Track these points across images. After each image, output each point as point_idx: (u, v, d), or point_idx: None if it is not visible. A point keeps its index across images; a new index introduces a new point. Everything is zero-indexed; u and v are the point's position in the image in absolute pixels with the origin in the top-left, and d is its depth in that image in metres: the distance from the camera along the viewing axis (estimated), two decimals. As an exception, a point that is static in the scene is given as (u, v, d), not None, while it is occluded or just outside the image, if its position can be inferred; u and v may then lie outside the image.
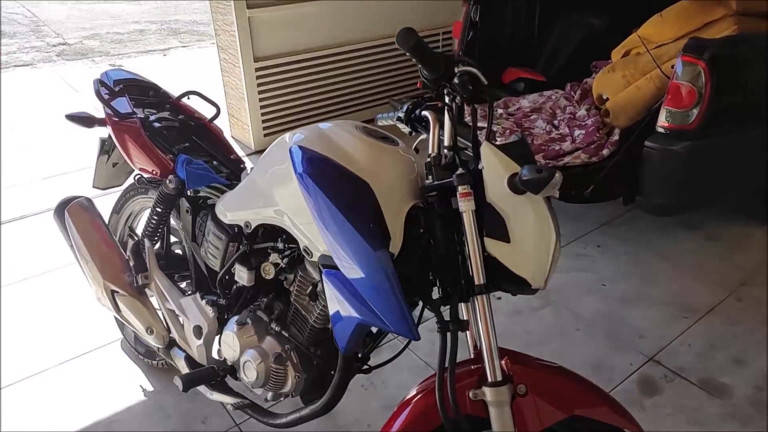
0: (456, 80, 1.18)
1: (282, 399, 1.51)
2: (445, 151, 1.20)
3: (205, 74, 5.69)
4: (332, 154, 1.25)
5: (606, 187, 2.47)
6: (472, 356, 1.19)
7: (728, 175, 2.51)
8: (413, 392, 1.21)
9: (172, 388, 1.97)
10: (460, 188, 1.11)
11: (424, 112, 1.31)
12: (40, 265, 2.68)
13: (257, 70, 3.59)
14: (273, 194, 1.35)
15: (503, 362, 1.12)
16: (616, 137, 2.61)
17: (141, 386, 2.00)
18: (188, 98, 2.03)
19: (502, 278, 1.12)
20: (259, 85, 3.64)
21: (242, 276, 1.51)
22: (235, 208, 1.50)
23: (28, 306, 2.41)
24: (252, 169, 1.50)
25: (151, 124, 1.84)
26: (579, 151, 2.57)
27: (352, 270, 1.16)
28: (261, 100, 3.69)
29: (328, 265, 1.23)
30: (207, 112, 1.96)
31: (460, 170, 1.12)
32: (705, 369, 2.01)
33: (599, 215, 2.99)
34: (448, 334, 1.14)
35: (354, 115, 4.13)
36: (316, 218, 1.21)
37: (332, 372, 1.43)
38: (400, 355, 1.49)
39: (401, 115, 1.38)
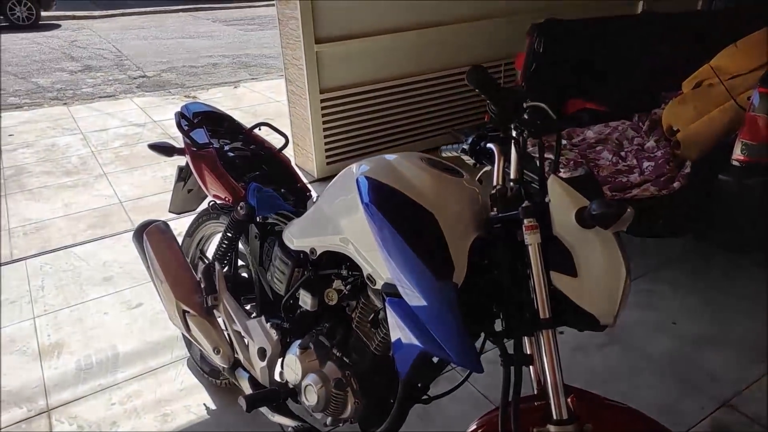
0: (524, 115, 1.19)
1: (341, 425, 1.53)
2: (511, 183, 1.21)
3: (272, 103, 5.95)
4: (398, 185, 1.28)
5: (677, 221, 2.38)
6: (536, 392, 1.17)
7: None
8: (473, 426, 1.21)
9: (234, 408, 2.03)
10: (525, 221, 1.12)
11: (489, 144, 1.32)
12: (118, 282, 2.84)
13: (322, 101, 3.72)
14: (339, 222, 1.40)
15: (569, 400, 1.10)
16: (687, 170, 2.52)
17: (204, 404, 2.07)
18: (259, 129, 2.14)
19: (568, 313, 1.11)
20: (323, 115, 3.77)
21: (306, 301, 1.55)
22: (301, 235, 1.56)
23: (107, 321, 2.56)
24: (318, 197, 1.56)
25: (225, 153, 1.94)
26: (648, 183, 2.50)
27: (415, 298, 1.18)
28: (325, 129, 3.82)
29: (391, 293, 1.26)
30: (276, 142, 2.05)
31: (526, 203, 1.13)
32: (785, 418, 1.88)
33: (670, 251, 2.87)
34: (512, 368, 1.13)
35: (415, 145, 4.19)
36: (380, 247, 1.24)
37: (392, 400, 1.44)
38: (459, 386, 1.48)
39: (466, 147, 1.41)
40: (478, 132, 1.40)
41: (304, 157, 4.04)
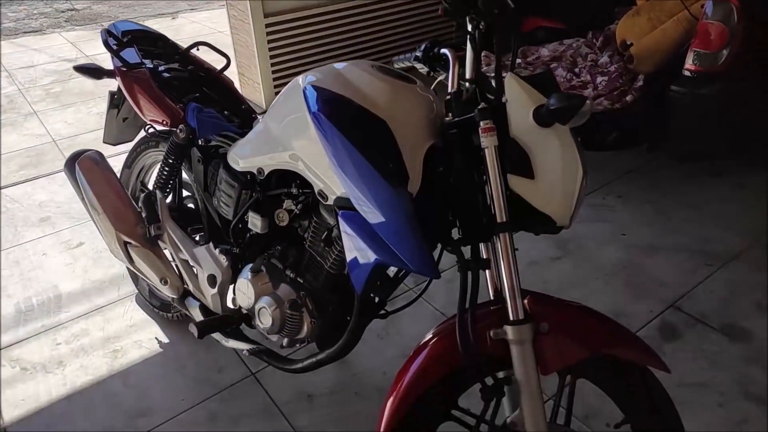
0: (480, 4, 1.11)
1: (298, 346, 1.50)
2: (467, 85, 1.14)
3: (214, 34, 5.61)
4: (347, 93, 1.21)
5: (630, 134, 2.38)
6: (492, 298, 1.16)
7: (757, 121, 2.41)
8: (429, 335, 1.19)
9: (188, 340, 1.98)
10: (482, 123, 1.06)
11: (443, 50, 1.26)
12: (56, 222, 2.68)
13: (267, 26, 3.51)
14: (287, 138, 1.32)
15: (525, 301, 1.09)
16: (640, 83, 2.51)
17: (156, 338, 2.01)
18: (197, 49, 1.98)
19: (525, 217, 1.07)
20: (269, 41, 3.56)
21: (256, 223, 1.48)
22: (247, 155, 1.47)
23: (46, 262, 2.42)
24: (264, 114, 1.45)
25: (160, 74, 1.79)
26: (602, 98, 2.48)
27: (369, 210, 1.12)
28: (272, 57, 3.62)
29: (344, 206, 1.20)
30: (216, 64, 1.91)
31: (482, 104, 1.07)
32: (727, 315, 1.96)
33: (623, 165, 2.90)
34: (469, 273, 1.11)
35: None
36: (332, 159, 1.17)
37: (348, 318, 1.42)
38: (416, 301, 1.46)
39: (419, 54, 1.34)
40: (432, 40, 1.34)
41: (250, 87, 3.85)
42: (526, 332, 1.07)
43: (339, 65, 1.31)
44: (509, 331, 1.07)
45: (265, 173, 1.42)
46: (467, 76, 1.15)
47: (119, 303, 2.19)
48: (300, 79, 1.31)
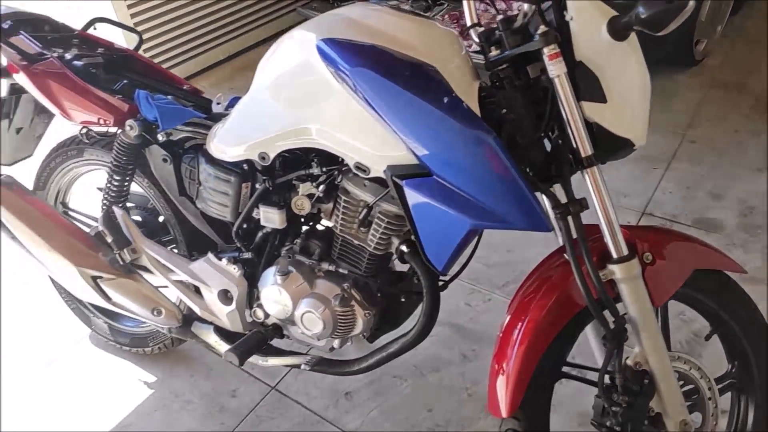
0: None
1: (350, 343, 1.34)
2: (525, 6, 1.02)
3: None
4: (381, 42, 1.04)
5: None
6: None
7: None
8: (527, 289, 1.11)
9: (178, 372, 1.70)
10: (546, 50, 0.95)
11: None
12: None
13: (128, -4, 3.00)
14: (297, 109, 1.11)
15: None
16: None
17: (140, 380, 1.69)
18: (94, 28, 1.61)
19: (602, 144, 1.01)
20: (133, 16, 3.06)
21: (272, 218, 1.26)
22: (239, 142, 1.22)
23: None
24: (252, 88, 1.20)
25: (70, 63, 1.42)
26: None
27: (455, 167, 0.98)
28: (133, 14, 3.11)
29: (405, 174, 1.04)
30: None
31: (542, 28, 0.96)
32: (692, 210, 2.12)
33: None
34: (569, 218, 1.02)
35: (257, 33, 3.66)
36: (385, 119, 1.01)
37: (402, 298, 1.29)
38: (469, 263, 1.35)
39: None
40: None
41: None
42: (635, 267, 1.03)
43: (342, 11, 1.13)
44: (617, 270, 1.02)
45: (271, 158, 1.19)
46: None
47: (72, 351, 1.80)
48: (296, 37, 1.10)
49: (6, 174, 1.46)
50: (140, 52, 1.60)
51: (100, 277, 1.37)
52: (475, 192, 0.98)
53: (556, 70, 0.95)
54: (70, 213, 1.72)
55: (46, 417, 1.61)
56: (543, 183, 1.03)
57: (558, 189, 1.04)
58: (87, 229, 1.57)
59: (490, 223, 0.99)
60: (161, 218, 1.59)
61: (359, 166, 1.08)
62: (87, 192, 1.73)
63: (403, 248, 1.17)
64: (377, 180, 1.10)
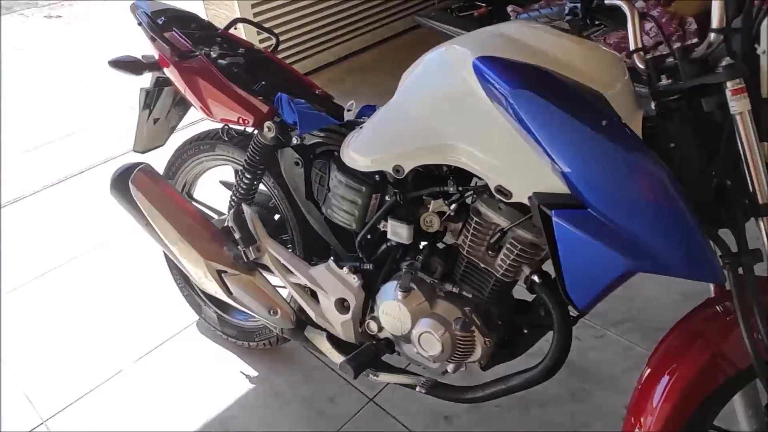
0: None
1: (464, 368, 1.29)
2: (712, 36, 0.93)
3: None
4: (544, 63, 0.98)
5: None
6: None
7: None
8: (680, 336, 1.01)
9: (279, 370, 1.72)
10: (730, 84, 0.86)
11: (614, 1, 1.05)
12: (53, 256, 2.29)
13: (253, -4, 3.11)
14: (444, 126, 1.07)
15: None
16: (693, 26, 2.37)
17: (242, 372, 1.73)
18: (235, 28, 1.66)
19: None
20: (256, 15, 3.17)
21: (399, 233, 1.24)
22: (375, 152, 1.20)
23: (75, 299, 2.05)
24: (394, 100, 1.19)
25: (216, 61, 1.46)
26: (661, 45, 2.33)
27: (616, 201, 0.91)
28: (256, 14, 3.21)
29: (553, 203, 0.97)
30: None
31: (726, 60, 0.87)
32: None
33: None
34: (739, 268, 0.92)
35: (371, 36, 3.70)
36: (543, 143, 0.94)
37: (524, 331, 1.23)
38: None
39: (572, 5, 1.11)
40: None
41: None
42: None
43: (500, 29, 1.09)
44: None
45: (405, 171, 1.16)
46: (714, 24, 0.94)
47: (180, 336, 1.87)
48: (449, 51, 1.07)
49: (144, 162, 1.53)
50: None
51: (225, 272, 1.40)
52: (637, 230, 0.90)
53: (739, 106, 0.86)
54: (195, 204, 1.78)
55: (150, 400, 1.67)
56: (711, 226, 0.94)
57: (725, 234, 0.94)
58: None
59: (650, 267, 0.91)
60: (277, 216, 1.61)
61: (501, 190, 1.04)
62: (210, 184, 1.79)
63: (535, 278, 1.11)
64: (515, 204, 1.05)
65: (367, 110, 1.41)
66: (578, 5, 1.12)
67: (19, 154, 3.05)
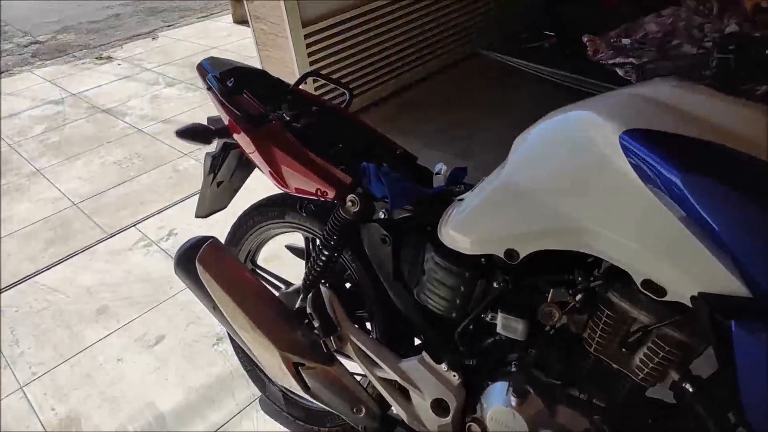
0: None
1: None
2: None
3: (209, 51, 5.05)
4: (715, 137, 0.78)
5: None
6: None
7: None
8: None
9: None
10: None
11: None
12: (118, 312, 2.17)
13: (307, 37, 3.01)
14: (576, 207, 0.89)
15: None
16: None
17: (316, 463, 1.55)
18: (305, 83, 1.52)
19: None
20: (309, 54, 3.07)
21: (513, 327, 1.05)
22: (483, 232, 1.02)
23: (126, 370, 1.93)
24: (507, 171, 1.00)
25: (290, 125, 1.32)
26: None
27: None
28: (310, 54, 3.11)
29: (731, 311, 0.77)
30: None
31: None
32: None
33: None
34: None
35: (422, 70, 3.59)
36: (724, 237, 0.75)
37: None
38: None
39: (721, 56, 0.94)
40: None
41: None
42: None
43: (649, 91, 0.89)
44: None
45: (521, 256, 0.98)
46: None
47: (242, 415, 1.71)
48: (584, 120, 0.88)
49: (211, 236, 1.39)
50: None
51: (302, 365, 1.24)
52: None
53: None
54: (258, 272, 1.64)
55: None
56: None
57: None
58: (276, 292, 1.48)
59: None
60: (348, 284, 1.45)
61: (651, 285, 0.84)
62: (274, 248, 1.65)
63: (688, 387, 0.91)
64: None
65: (460, 173, 1.24)
66: (731, 57, 0.94)
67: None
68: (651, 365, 0.92)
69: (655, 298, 0.85)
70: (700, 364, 0.93)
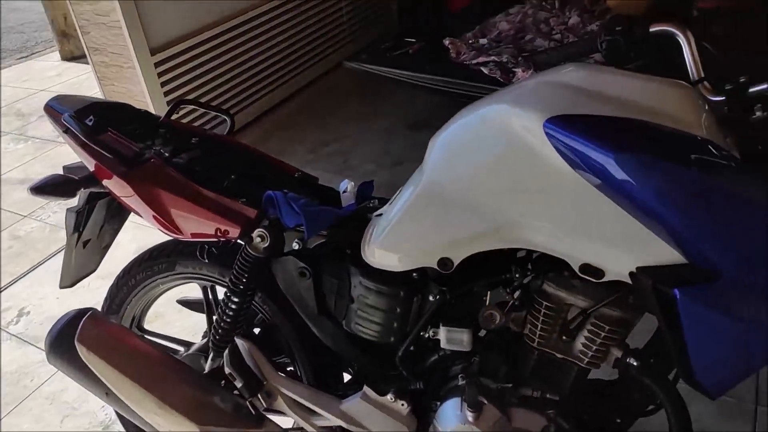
0: None
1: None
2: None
3: (38, 94, 4.48)
4: (633, 113, 0.79)
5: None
6: None
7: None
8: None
9: None
10: None
11: (662, 27, 0.89)
12: None
13: (157, 65, 2.76)
14: (506, 204, 0.86)
15: None
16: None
17: None
18: (177, 113, 1.36)
19: None
20: (163, 84, 2.82)
21: (457, 338, 1.01)
22: (412, 245, 0.97)
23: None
24: (427, 177, 0.94)
25: (170, 161, 1.16)
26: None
27: (760, 262, 0.75)
28: (170, 102, 2.88)
29: (672, 279, 0.78)
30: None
31: None
32: None
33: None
34: None
35: (287, 87, 3.49)
36: (658, 210, 0.76)
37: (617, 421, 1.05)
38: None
39: (610, 38, 0.97)
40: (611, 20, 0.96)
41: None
42: None
43: (560, 78, 0.88)
44: None
45: (455, 264, 0.93)
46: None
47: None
48: (500, 113, 0.85)
49: (88, 307, 1.17)
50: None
51: (228, 436, 1.07)
52: None
53: None
54: (147, 336, 1.42)
55: None
56: None
57: None
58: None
59: None
60: (257, 329, 1.31)
61: (589, 268, 0.84)
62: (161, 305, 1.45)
63: (632, 361, 0.92)
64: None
65: (366, 188, 1.17)
66: (619, 38, 0.97)
67: None
68: (594, 347, 0.94)
69: (593, 280, 0.85)
70: (633, 336, 0.94)
